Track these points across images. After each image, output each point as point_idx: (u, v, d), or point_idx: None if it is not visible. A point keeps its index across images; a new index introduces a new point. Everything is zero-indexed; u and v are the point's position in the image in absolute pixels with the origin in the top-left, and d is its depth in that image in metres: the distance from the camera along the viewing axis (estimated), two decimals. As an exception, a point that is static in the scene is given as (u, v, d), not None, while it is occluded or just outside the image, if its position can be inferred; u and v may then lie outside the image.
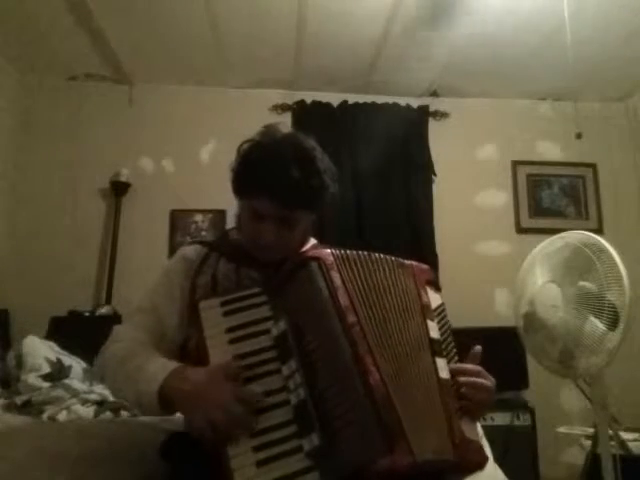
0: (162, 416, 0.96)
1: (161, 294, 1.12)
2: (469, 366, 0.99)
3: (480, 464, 0.91)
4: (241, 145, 1.12)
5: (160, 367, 0.93)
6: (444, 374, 0.93)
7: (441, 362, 0.95)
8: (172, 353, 1.08)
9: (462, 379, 0.96)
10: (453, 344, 1.01)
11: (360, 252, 0.97)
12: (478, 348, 1.02)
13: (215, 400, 0.83)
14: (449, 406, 0.90)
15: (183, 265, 1.12)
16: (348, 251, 0.96)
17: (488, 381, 0.98)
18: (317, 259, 0.93)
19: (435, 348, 0.95)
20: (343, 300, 0.88)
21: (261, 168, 1.05)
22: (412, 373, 0.89)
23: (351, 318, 0.87)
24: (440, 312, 1.04)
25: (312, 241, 1.21)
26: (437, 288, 1.08)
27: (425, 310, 0.99)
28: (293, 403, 0.84)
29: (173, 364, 0.93)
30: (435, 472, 0.87)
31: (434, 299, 1.04)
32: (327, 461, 0.79)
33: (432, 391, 0.90)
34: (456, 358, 1.00)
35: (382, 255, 1.00)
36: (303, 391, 0.84)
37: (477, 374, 0.98)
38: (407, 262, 1.04)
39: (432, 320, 0.99)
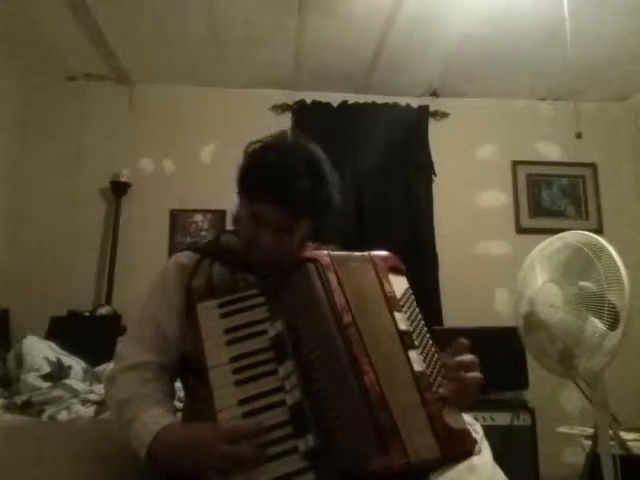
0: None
1: (159, 304, 1.11)
2: (465, 359, 0.96)
3: (467, 453, 0.89)
4: (249, 145, 1.10)
5: (147, 428, 0.92)
6: (418, 366, 0.91)
7: (414, 354, 0.92)
8: (178, 362, 1.09)
9: (453, 376, 0.93)
10: (425, 330, 0.98)
11: (349, 252, 0.98)
12: (464, 341, 0.97)
13: (203, 461, 0.84)
14: (427, 399, 0.87)
15: (177, 271, 1.11)
16: (343, 252, 0.97)
17: (478, 374, 0.95)
18: (314, 260, 0.93)
19: (406, 341, 0.92)
20: (339, 300, 0.89)
21: (271, 174, 1.03)
22: (393, 370, 0.88)
23: (347, 318, 0.87)
24: (407, 299, 1.01)
25: (310, 244, 1.20)
26: (401, 272, 1.05)
27: (390, 302, 0.96)
28: (289, 404, 0.84)
29: (158, 425, 0.92)
30: (426, 468, 0.87)
31: (399, 286, 1.01)
32: (323, 462, 0.79)
33: (409, 387, 0.88)
34: (430, 342, 0.97)
35: (356, 252, 1.00)
36: (299, 392, 0.84)
37: (470, 366, 0.95)
38: (365, 254, 1.02)
39: (399, 311, 0.96)
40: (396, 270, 1.04)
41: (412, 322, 0.98)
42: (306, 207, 1.03)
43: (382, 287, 0.98)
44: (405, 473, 0.80)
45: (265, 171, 1.04)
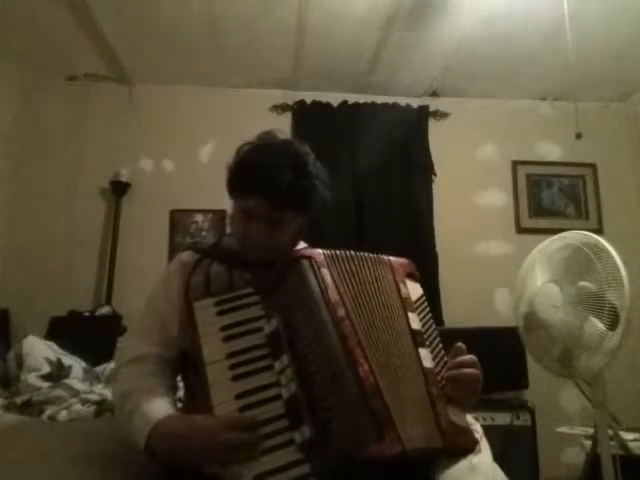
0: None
1: (162, 300, 1.14)
2: (466, 357, 1.01)
3: (468, 448, 0.95)
4: (241, 147, 1.15)
5: (146, 419, 0.93)
6: (427, 363, 0.96)
7: (424, 352, 0.98)
8: (179, 358, 1.11)
9: (452, 373, 0.98)
10: (436, 333, 1.05)
11: (347, 251, 1.02)
12: (461, 344, 1.04)
13: (203, 451, 0.85)
14: (434, 394, 0.93)
15: (179, 270, 1.14)
16: (337, 250, 1.01)
17: (477, 370, 1.00)
18: (308, 257, 0.96)
19: (417, 339, 0.98)
20: (333, 296, 0.92)
21: (256, 169, 1.08)
22: (397, 364, 0.92)
23: (341, 312, 0.91)
24: (421, 304, 1.07)
25: (302, 244, 1.24)
26: (417, 279, 1.12)
27: (405, 303, 1.02)
28: (285, 397, 0.87)
29: (157, 416, 0.92)
30: (424, 459, 0.91)
31: (414, 291, 1.08)
32: (318, 452, 0.81)
33: (417, 381, 0.93)
34: (440, 346, 1.03)
35: (365, 253, 1.05)
36: (294, 385, 0.86)
37: (471, 364, 1.00)
38: (385, 257, 1.08)
39: (413, 312, 1.03)
40: (412, 276, 1.11)
41: (424, 324, 1.03)
42: (290, 197, 1.07)
43: (398, 289, 1.04)
44: (401, 460, 0.81)
45: (250, 168, 1.09)
